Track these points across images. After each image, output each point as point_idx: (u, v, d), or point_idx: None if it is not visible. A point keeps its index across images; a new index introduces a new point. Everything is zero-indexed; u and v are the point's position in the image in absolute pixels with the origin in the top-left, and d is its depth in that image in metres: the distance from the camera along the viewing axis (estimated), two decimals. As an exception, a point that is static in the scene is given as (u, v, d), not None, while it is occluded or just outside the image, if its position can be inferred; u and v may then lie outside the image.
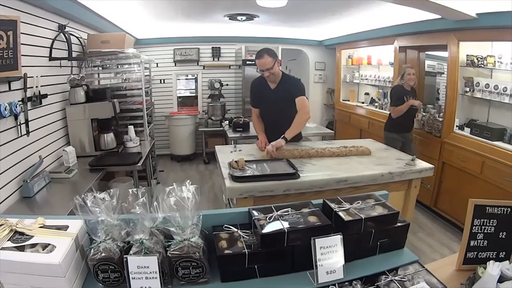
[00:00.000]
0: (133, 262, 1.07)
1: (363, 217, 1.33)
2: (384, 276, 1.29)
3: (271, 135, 3.32)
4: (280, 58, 6.69)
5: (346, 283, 1.25)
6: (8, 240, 1.13)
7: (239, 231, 1.31)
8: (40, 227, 1.21)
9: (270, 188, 2.45)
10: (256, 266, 1.23)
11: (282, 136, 3.10)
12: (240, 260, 1.20)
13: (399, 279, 1.26)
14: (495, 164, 3.60)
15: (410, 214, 3.11)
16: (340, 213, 1.34)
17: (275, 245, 1.23)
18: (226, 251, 1.21)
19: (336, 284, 1.22)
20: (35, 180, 2.78)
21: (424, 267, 1.35)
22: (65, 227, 1.21)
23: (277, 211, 1.33)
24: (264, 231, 1.21)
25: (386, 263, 1.38)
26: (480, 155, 3.80)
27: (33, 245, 1.13)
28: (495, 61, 3.92)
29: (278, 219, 1.28)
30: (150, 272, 1.08)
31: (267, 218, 1.29)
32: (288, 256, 1.27)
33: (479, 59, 4.01)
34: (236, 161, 2.67)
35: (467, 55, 4.13)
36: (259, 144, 3.32)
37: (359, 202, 1.46)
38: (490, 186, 3.62)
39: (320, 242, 1.20)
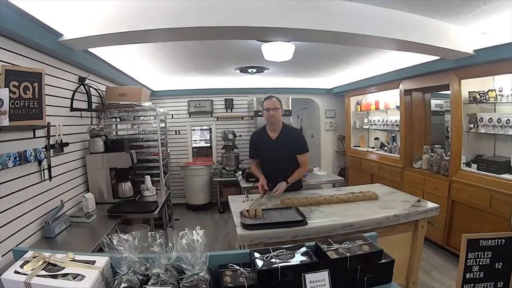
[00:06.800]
0: (151, 291, 1.27)
1: (348, 255, 1.50)
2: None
3: (270, 183, 3.47)
4: (290, 108, 7.03)
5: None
6: (42, 270, 1.34)
7: (241, 269, 1.49)
8: (71, 260, 1.42)
9: (278, 235, 2.54)
10: (255, 298, 1.40)
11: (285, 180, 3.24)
12: (241, 292, 1.38)
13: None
14: (503, 197, 3.58)
15: (419, 254, 3.13)
16: (328, 253, 1.52)
17: (270, 279, 1.41)
18: (229, 285, 1.39)
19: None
20: (56, 223, 2.92)
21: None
22: (93, 262, 1.42)
23: (273, 252, 1.52)
24: (260, 267, 1.41)
25: (372, 295, 1.49)
26: (488, 189, 3.78)
27: (64, 275, 1.33)
28: (496, 95, 3.97)
29: (273, 258, 1.47)
30: (165, 301, 1.27)
31: (265, 257, 1.48)
32: (283, 290, 1.43)
33: (481, 94, 4.06)
34: (247, 210, 2.80)
35: (469, 92, 4.20)
36: (260, 186, 3.43)
37: (347, 243, 1.62)
38: (499, 220, 3.54)
39: (309, 277, 1.37)
